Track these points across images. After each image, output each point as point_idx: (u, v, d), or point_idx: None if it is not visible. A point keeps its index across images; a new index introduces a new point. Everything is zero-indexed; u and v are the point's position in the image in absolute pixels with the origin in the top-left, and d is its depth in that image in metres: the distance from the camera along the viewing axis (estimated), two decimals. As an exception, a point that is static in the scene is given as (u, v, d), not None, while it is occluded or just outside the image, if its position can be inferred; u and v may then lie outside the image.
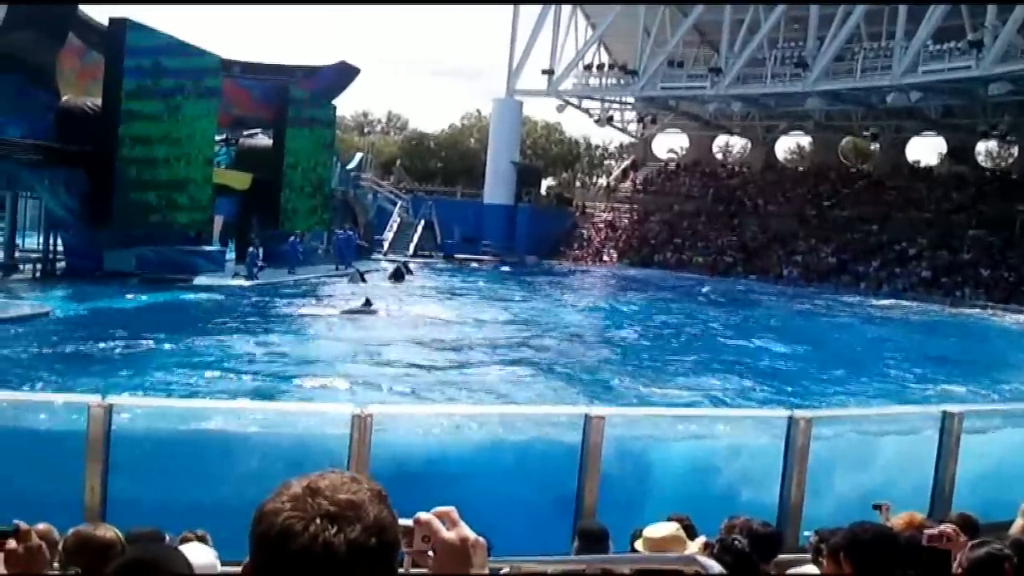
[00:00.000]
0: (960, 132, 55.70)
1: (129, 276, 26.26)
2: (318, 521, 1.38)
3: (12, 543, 2.62)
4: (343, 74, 41.47)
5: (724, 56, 53.02)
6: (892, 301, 41.47)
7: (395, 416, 8.67)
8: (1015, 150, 59.24)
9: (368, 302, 24.73)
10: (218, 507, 6.76)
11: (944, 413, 8.82)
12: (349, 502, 1.41)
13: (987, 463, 9.04)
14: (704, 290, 41.27)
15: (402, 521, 1.58)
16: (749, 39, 51.02)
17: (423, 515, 1.66)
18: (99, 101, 26.70)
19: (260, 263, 30.55)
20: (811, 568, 5.23)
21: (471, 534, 1.66)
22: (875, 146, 61.82)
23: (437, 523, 1.66)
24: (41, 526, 4.18)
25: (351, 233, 41.69)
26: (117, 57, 26.48)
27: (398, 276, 35.22)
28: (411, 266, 36.98)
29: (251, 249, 30.73)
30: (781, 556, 5.47)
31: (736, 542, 4.14)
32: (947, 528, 4.23)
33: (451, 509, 1.69)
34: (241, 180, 33.85)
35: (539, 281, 41.87)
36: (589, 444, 7.54)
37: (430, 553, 1.64)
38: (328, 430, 7.88)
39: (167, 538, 4.53)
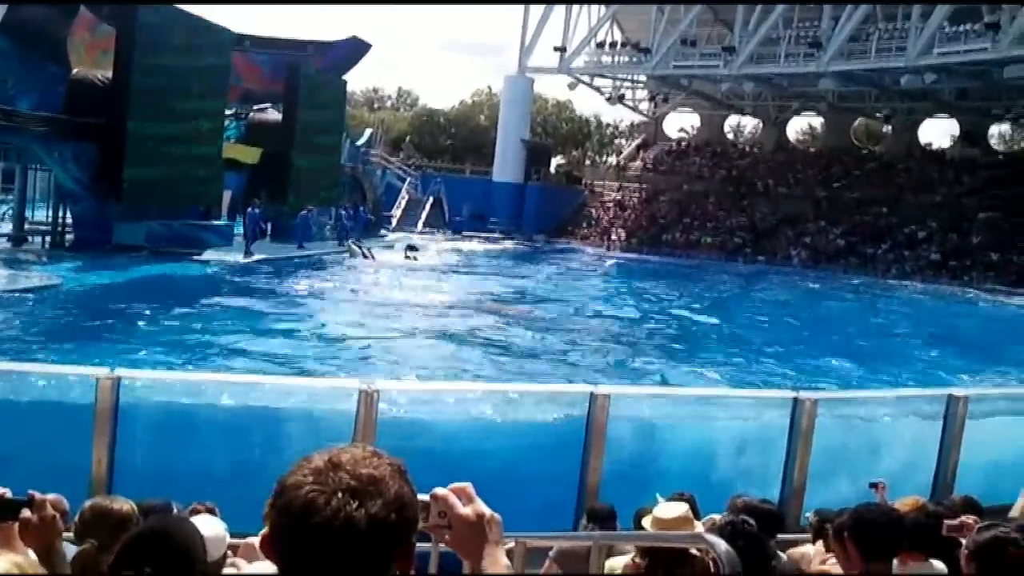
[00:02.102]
0: (973, 115, 55.30)
1: (138, 249, 26.30)
2: (340, 495, 1.40)
3: (27, 513, 2.66)
4: (354, 50, 41.31)
5: (738, 35, 52.67)
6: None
7: (402, 392, 8.70)
8: (1028, 134, 58.94)
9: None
10: (225, 480, 6.82)
11: (949, 396, 8.82)
12: (371, 477, 1.44)
13: (989, 447, 9.04)
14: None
15: (420, 496, 1.60)
16: (763, 18, 50.65)
17: (440, 490, 1.70)
18: (110, 73, 26.67)
19: (254, 236, 30.32)
20: (811, 548, 5.27)
21: (487, 510, 1.70)
22: (887, 128, 61.42)
23: (454, 498, 1.69)
24: (51, 496, 4.22)
25: (361, 208, 41.71)
26: (128, 30, 26.42)
27: (412, 249, 35.96)
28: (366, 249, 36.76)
29: (246, 223, 30.64)
30: (783, 536, 5.50)
31: (747, 524, 4.16)
32: (967, 519, 4.24)
33: (467, 485, 1.73)
34: (251, 154, 33.82)
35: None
36: (594, 422, 7.57)
37: (447, 528, 1.68)
38: (335, 405, 7.91)
39: (176, 510, 4.57)
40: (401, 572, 1.48)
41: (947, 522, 4.22)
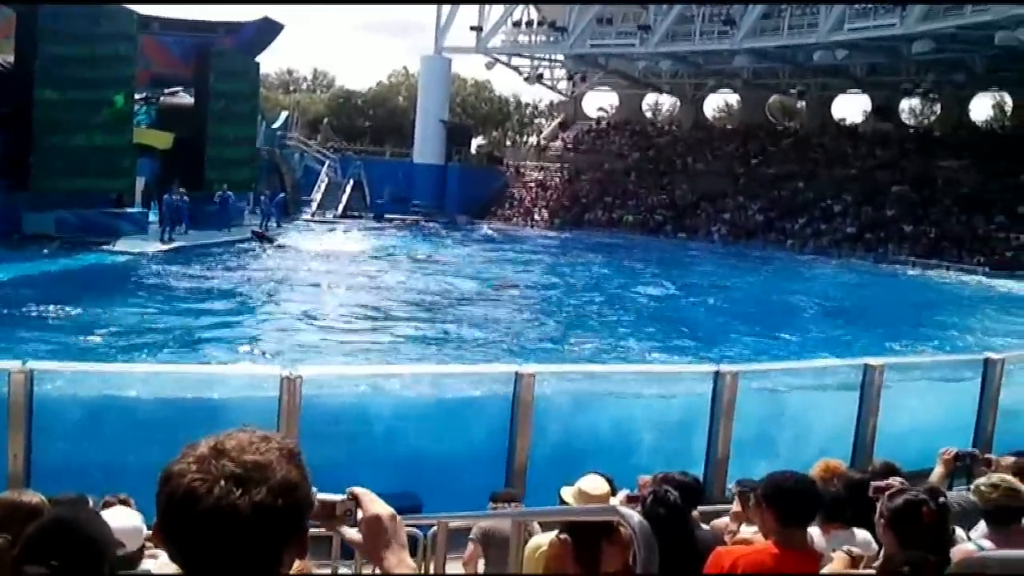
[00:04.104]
0: (884, 90, 56.58)
1: (49, 239, 25.57)
2: (222, 483, 1.37)
3: None
4: (266, 30, 40.53)
5: (653, 14, 53.12)
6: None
7: (325, 377, 8.62)
8: (937, 108, 60.45)
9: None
10: (144, 471, 6.67)
11: (866, 366, 9.04)
12: (255, 463, 1.40)
13: (904, 414, 9.30)
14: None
15: (332, 496, 1.62)
16: (677, -3, 51.17)
17: (357, 489, 1.70)
18: (12, 59, 25.84)
19: (172, 223, 29.65)
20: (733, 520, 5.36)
21: (390, 510, 1.70)
22: (802, 104, 62.55)
23: (368, 497, 1.69)
24: (-36, 494, 4.09)
25: (279, 193, 41.16)
26: (29, 14, 25.62)
27: (263, 240, 34.00)
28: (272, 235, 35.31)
29: (163, 209, 29.98)
30: (707, 507, 5.58)
31: (668, 493, 4.21)
32: (894, 480, 4.34)
33: (367, 491, 1.73)
34: (163, 140, 33.10)
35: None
36: (520, 401, 7.59)
37: (355, 530, 1.68)
38: (257, 392, 7.82)
39: (91, 502, 4.46)
40: (294, 559, 1.46)
41: (874, 483, 4.32)
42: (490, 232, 46.02)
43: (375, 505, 1.69)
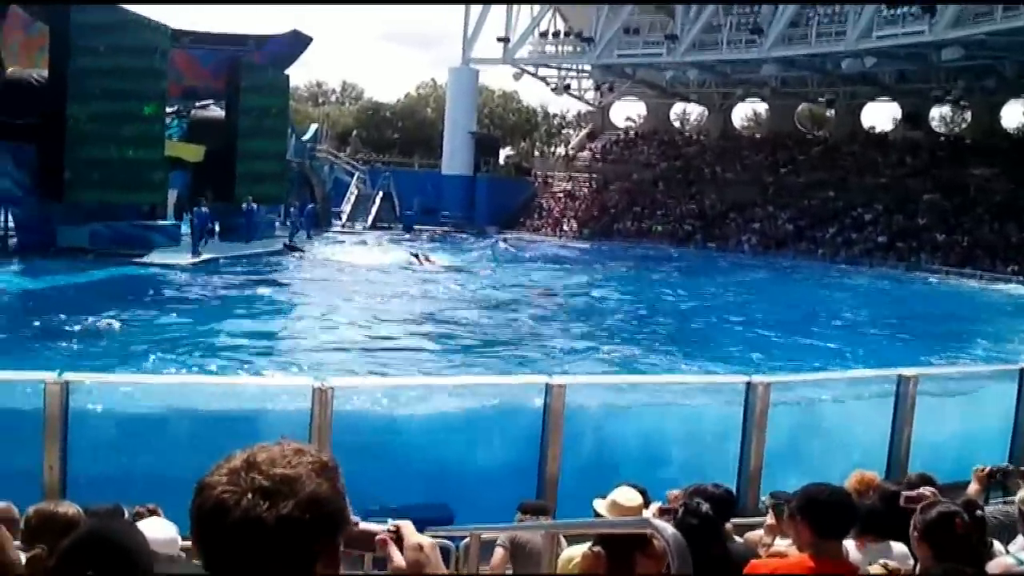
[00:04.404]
0: (914, 97, 56.16)
1: (83, 252, 25.83)
2: (250, 496, 1.40)
3: None
4: (295, 43, 40.91)
5: (679, 23, 53.01)
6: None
7: (357, 388, 8.64)
8: (968, 115, 59.88)
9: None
10: (180, 482, 6.72)
11: (900, 376, 8.96)
12: (284, 477, 1.43)
13: (942, 426, 9.20)
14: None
15: (374, 526, 1.66)
16: (704, 6, 51.01)
17: (400, 522, 1.72)
18: (46, 72, 26.14)
19: (202, 235, 29.89)
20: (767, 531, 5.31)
21: (425, 540, 1.71)
22: (831, 112, 62.19)
23: (410, 529, 1.70)
24: (0, 504, 4.14)
25: (309, 205, 41.43)
26: (62, 28, 25.89)
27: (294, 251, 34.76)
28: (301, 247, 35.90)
29: (194, 221, 30.22)
30: (740, 519, 5.55)
31: (700, 505, 4.19)
32: (925, 490, 4.30)
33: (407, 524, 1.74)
34: (194, 152, 33.33)
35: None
36: (551, 412, 7.58)
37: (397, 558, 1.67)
38: (290, 404, 7.85)
39: (125, 513, 4.51)
40: (328, 573, 1.48)
41: (905, 493, 4.29)
42: (503, 245, 45.84)
43: (416, 537, 1.70)
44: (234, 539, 1.39)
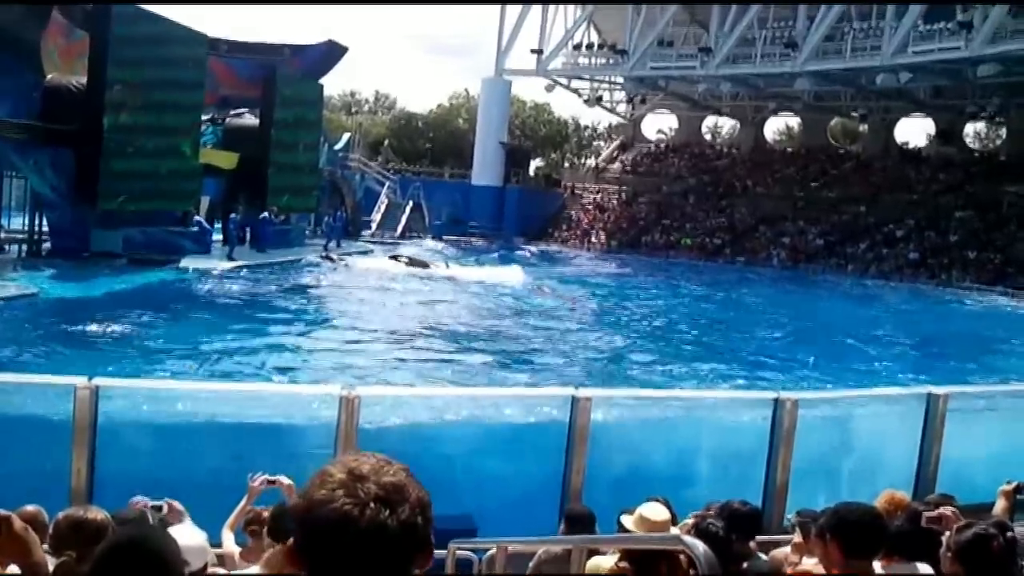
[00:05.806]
0: (948, 113, 55.72)
1: (116, 257, 26.09)
2: (372, 505, 1.46)
3: None
4: (330, 53, 41.21)
5: (714, 36, 52.88)
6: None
7: (383, 397, 8.65)
8: (1003, 131, 59.33)
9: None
10: (208, 488, 6.76)
11: (929, 394, 8.86)
12: (393, 485, 1.50)
13: (971, 445, 9.08)
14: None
15: None
16: (739, 19, 50.89)
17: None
18: (85, 79, 26.44)
19: (236, 241, 30.15)
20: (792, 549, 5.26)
21: None
22: (863, 127, 61.82)
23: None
24: (30, 508, 4.18)
25: (338, 213, 41.65)
26: (102, 35, 26.18)
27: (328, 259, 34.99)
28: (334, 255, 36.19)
29: (230, 227, 30.51)
30: (766, 536, 5.50)
31: (711, 525, 4.16)
32: (946, 510, 4.25)
33: None
34: (228, 160, 33.62)
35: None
36: (576, 425, 7.55)
37: None
38: (316, 411, 7.87)
39: (150, 516, 4.53)
40: (420, 571, 1.54)
41: (926, 513, 4.24)
42: (526, 254, 45.77)
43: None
44: (359, 548, 1.44)
